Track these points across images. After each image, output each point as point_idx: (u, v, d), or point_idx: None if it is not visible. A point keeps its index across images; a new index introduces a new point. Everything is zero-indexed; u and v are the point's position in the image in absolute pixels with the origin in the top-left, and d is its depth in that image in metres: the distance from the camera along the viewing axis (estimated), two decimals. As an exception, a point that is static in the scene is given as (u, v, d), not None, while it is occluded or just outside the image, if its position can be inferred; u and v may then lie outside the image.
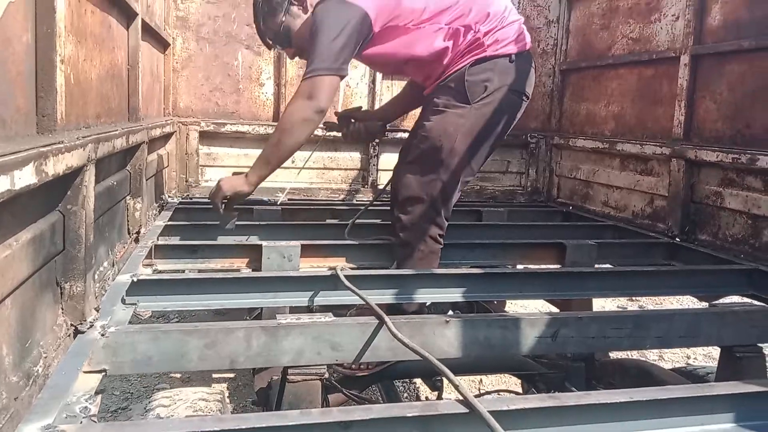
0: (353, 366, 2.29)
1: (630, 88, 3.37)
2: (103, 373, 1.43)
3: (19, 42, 1.15)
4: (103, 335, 1.46)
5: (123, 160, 2.28)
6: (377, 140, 2.94)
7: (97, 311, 1.57)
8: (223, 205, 2.37)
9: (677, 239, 2.86)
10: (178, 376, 3.79)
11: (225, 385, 3.78)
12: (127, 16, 2.32)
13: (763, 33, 2.53)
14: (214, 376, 3.84)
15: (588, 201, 3.68)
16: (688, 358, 4.42)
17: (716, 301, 2.37)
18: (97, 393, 1.31)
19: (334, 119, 2.82)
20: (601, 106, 3.61)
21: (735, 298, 2.62)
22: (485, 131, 2.31)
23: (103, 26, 1.93)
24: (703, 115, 2.85)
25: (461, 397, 1.21)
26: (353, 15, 2.15)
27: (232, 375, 3.84)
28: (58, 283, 1.43)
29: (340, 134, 2.80)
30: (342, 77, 2.18)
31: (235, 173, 2.45)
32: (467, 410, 1.17)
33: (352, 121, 2.73)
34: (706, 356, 4.33)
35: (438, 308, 2.99)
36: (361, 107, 3.06)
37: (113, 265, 1.98)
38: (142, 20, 2.48)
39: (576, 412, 1.22)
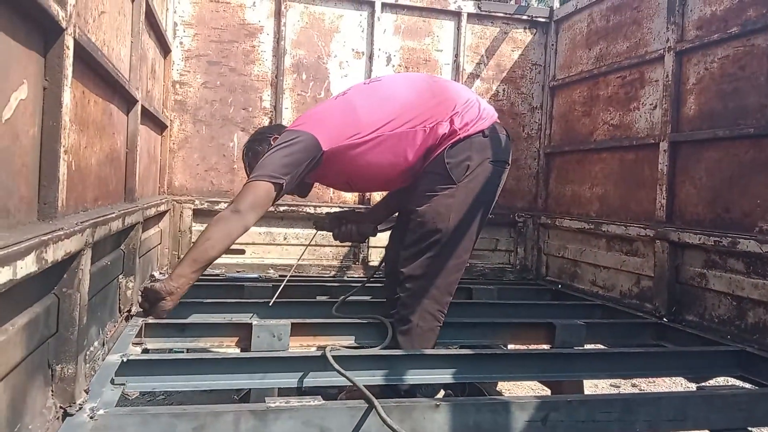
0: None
1: (613, 171, 3.49)
2: (90, 459, 1.42)
3: (26, 136, 1.21)
4: (92, 418, 1.46)
5: (118, 240, 2.31)
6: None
7: (87, 393, 1.57)
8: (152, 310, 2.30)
9: (665, 319, 2.89)
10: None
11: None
12: (128, 102, 2.41)
13: (736, 123, 2.66)
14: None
15: (576, 279, 3.72)
16: (682, 439, 4.36)
17: (704, 383, 2.38)
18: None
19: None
20: (585, 188, 3.72)
21: (723, 379, 2.62)
22: (475, 205, 2.39)
23: (105, 114, 2.01)
24: (684, 199, 2.95)
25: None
26: (301, 137, 2.32)
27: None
28: (49, 365, 1.44)
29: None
30: (278, 185, 2.26)
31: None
32: (456, 499, 1.17)
33: (344, 222, 2.78)
34: (700, 438, 4.27)
35: (430, 387, 2.97)
36: (354, 209, 3.14)
37: (103, 345, 1.98)
38: (142, 106, 2.58)
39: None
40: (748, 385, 2.32)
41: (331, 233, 2.83)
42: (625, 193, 3.37)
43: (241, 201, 2.25)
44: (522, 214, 4.14)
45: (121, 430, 1.47)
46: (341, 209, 3.01)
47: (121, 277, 2.35)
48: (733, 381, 2.46)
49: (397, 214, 2.83)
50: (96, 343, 1.91)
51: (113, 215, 1.93)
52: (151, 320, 2.35)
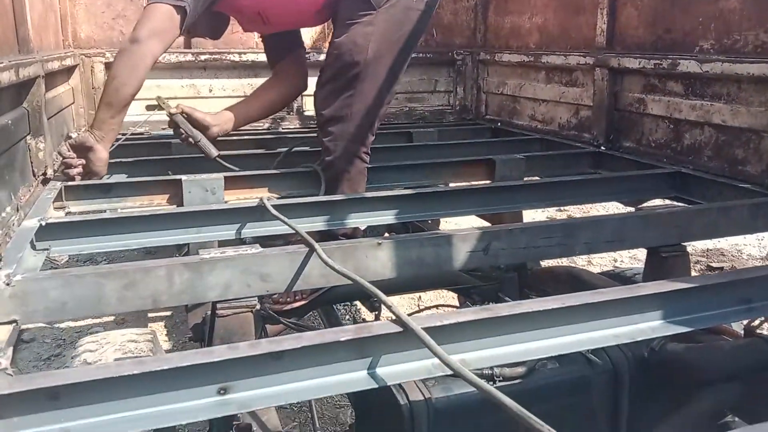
0: (288, 299, 2.26)
1: (553, -3, 3.32)
2: (14, 324, 1.33)
3: None
4: (8, 284, 1.35)
5: (17, 96, 2.08)
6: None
7: (0, 260, 1.45)
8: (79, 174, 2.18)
9: (602, 148, 2.90)
10: (111, 318, 3.68)
11: (162, 323, 3.70)
12: (4, -66, 2.07)
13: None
14: (150, 315, 3.75)
15: (515, 116, 3.67)
16: (615, 261, 4.62)
17: (641, 206, 2.43)
18: (9, 344, 1.22)
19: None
20: (524, 18, 3.55)
21: (659, 201, 2.70)
22: (398, 34, 2.21)
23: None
24: (624, 22, 2.84)
25: (395, 317, 1.18)
26: None
27: (168, 313, 3.75)
28: (-52, 233, 1.30)
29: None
30: (181, 8, 2.04)
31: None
32: (401, 329, 1.15)
33: (186, 126, 2.37)
34: (632, 258, 4.53)
35: (373, 232, 2.97)
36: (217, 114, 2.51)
37: (18, 210, 1.83)
38: (21, -62, 2.22)
39: (510, 322, 1.22)
40: (681, 205, 2.38)
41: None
42: (565, 20, 3.23)
43: (140, 28, 2.04)
44: (461, 52, 3.97)
45: (44, 294, 1.37)
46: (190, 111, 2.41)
47: (29, 138, 2.14)
48: (668, 203, 2.52)
49: None
50: (8, 209, 1.76)
51: (2, 65, 1.70)
52: (71, 183, 2.19)
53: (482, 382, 1.00)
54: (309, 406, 1.70)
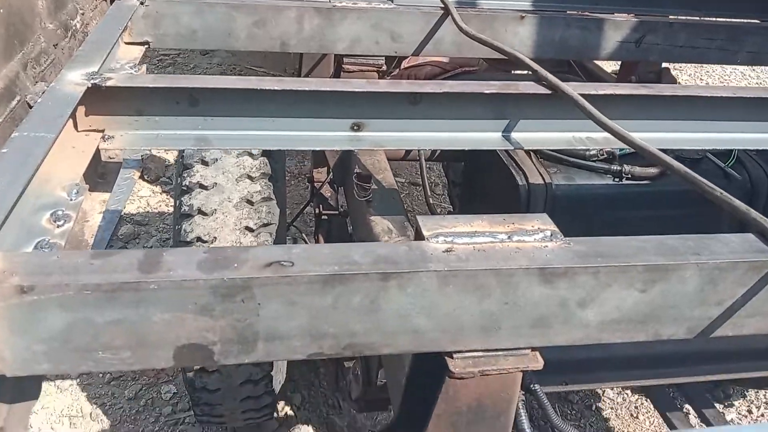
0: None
1: None
2: (146, 46, 1.32)
3: None
4: (142, 3, 1.32)
5: None
6: None
7: (134, -19, 1.41)
8: None
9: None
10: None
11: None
12: None
13: None
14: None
15: None
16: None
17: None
18: (142, 62, 1.21)
19: None
20: None
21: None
22: None
23: None
24: None
25: (544, 82, 1.07)
26: None
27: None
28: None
29: None
30: None
31: None
32: (549, 92, 1.05)
33: None
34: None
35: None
36: None
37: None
38: None
39: (671, 104, 1.09)
40: None
41: None
42: None
43: None
44: None
45: (175, 18, 1.35)
46: None
47: None
48: None
49: None
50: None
51: None
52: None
53: (655, 149, 0.89)
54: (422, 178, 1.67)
